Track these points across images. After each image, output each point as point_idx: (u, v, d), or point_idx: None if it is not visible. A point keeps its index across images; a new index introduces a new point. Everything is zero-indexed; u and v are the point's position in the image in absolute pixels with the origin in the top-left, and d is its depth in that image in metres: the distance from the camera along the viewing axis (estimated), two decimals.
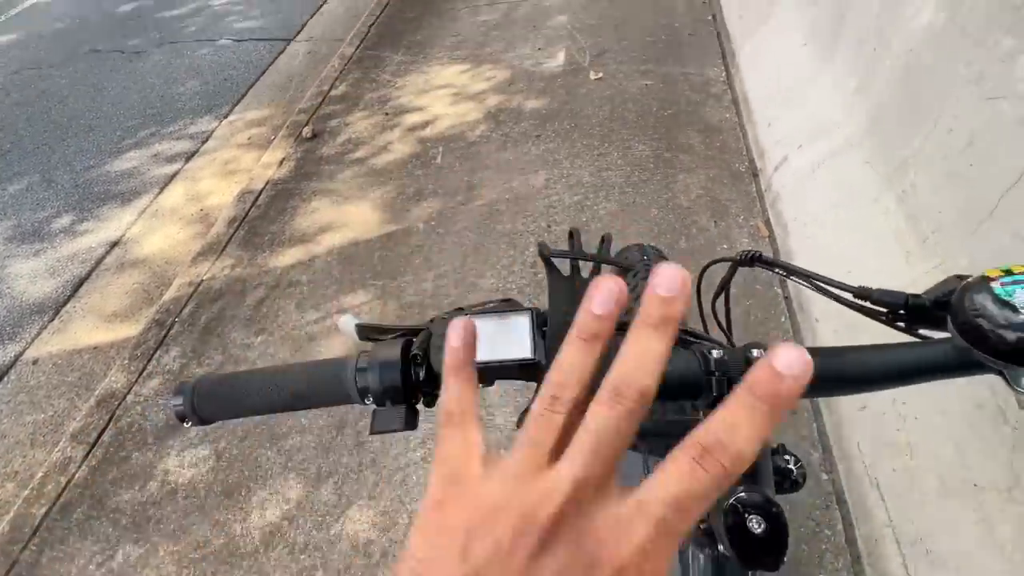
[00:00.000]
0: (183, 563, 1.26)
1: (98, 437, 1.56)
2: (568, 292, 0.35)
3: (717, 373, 0.33)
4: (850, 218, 1.39)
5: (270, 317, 1.79)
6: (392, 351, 0.36)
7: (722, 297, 0.48)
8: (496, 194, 2.05)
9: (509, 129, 2.35)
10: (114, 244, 2.30)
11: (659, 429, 0.41)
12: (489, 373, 0.33)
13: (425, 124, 2.47)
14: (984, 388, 0.95)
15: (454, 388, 0.22)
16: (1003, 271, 0.27)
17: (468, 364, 0.22)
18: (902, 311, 0.32)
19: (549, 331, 0.34)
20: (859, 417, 1.18)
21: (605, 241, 0.35)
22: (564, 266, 0.37)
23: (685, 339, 0.42)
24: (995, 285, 0.27)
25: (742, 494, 0.28)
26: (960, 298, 0.28)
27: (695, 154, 2.04)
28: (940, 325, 0.31)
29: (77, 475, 1.48)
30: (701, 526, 0.33)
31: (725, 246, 1.68)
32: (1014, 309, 0.26)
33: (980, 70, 1.07)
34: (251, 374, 0.38)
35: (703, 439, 0.17)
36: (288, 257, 1.99)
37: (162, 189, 2.55)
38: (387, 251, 1.93)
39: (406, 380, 0.35)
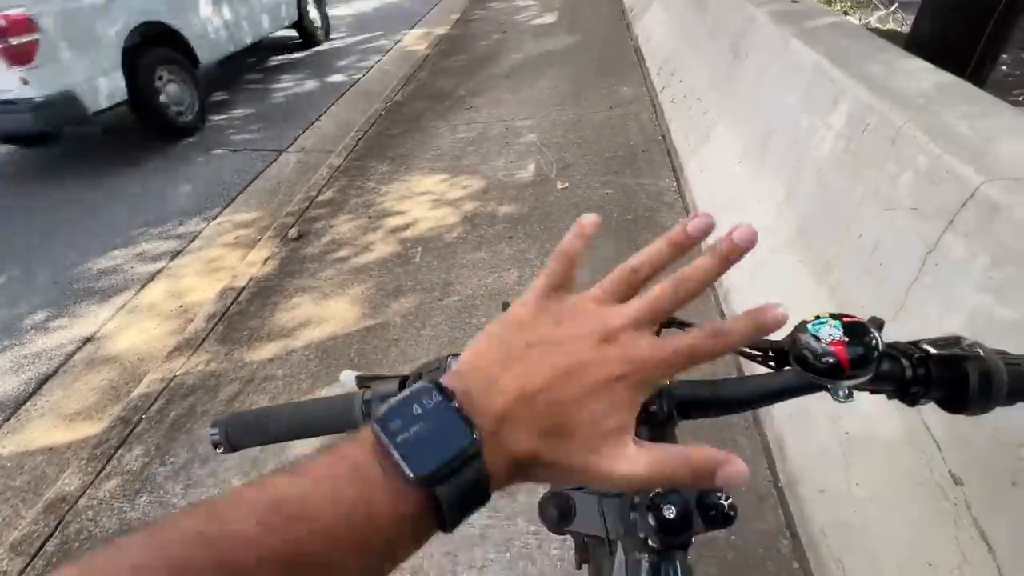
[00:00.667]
0: None
1: (40, 547, 1.45)
2: None
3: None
4: (793, 309, 1.53)
5: None
6: (391, 385, 0.45)
7: None
8: (471, 290, 2.17)
9: (484, 231, 2.54)
10: (87, 340, 2.29)
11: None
12: None
13: (406, 226, 2.66)
14: (923, 465, 1.02)
15: (572, 240, 0.29)
16: (814, 316, 0.38)
17: (583, 243, 0.30)
18: (770, 352, 0.41)
19: None
20: (819, 500, 1.22)
21: None
22: None
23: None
24: (809, 326, 0.38)
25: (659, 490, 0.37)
26: (791, 339, 0.38)
27: None
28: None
29: None
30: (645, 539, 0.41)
31: None
32: (819, 339, 0.37)
33: (875, 187, 1.29)
34: (276, 409, 0.47)
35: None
36: (265, 352, 2.02)
37: (143, 286, 2.60)
38: (364, 344, 1.98)
39: None
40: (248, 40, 4.84)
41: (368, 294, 2.24)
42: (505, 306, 0.45)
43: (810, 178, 1.62)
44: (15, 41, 2.81)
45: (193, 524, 0.20)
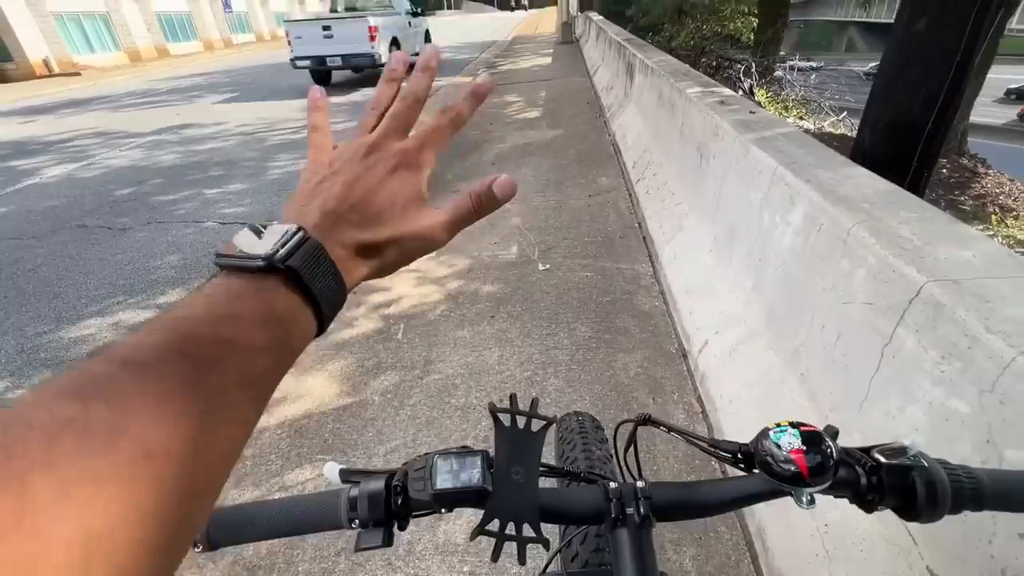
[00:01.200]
0: None
1: None
2: (510, 441, 0.45)
3: (614, 500, 0.44)
4: (764, 396, 1.57)
5: None
6: (378, 483, 0.45)
7: (632, 448, 0.60)
8: (452, 369, 2.17)
9: (467, 310, 2.58)
10: None
11: None
12: (449, 498, 0.43)
13: (389, 303, 2.69)
14: (902, 560, 1.01)
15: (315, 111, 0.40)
16: (775, 424, 0.41)
17: (322, 108, 0.40)
18: (739, 455, 0.44)
19: (496, 470, 0.44)
20: None
21: (533, 403, 0.48)
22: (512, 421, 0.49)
23: (591, 476, 0.53)
24: (771, 433, 0.41)
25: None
26: (755, 445, 0.41)
27: (631, 336, 2.29)
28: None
29: None
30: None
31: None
32: (780, 448, 0.39)
33: (832, 281, 1.39)
34: (258, 506, 0.45)
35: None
36: None
37: None
38: (340, 423, 1.93)
39: (388, 507, 0.44)
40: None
41: (348, 370, 2.22)
42: (512, 398, 0.48)
43: (774, 270, 1.73)
44: (372, 32, 9.16)
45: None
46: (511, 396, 0.49)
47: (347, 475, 0.48)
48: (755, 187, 1.98)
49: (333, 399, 2.06)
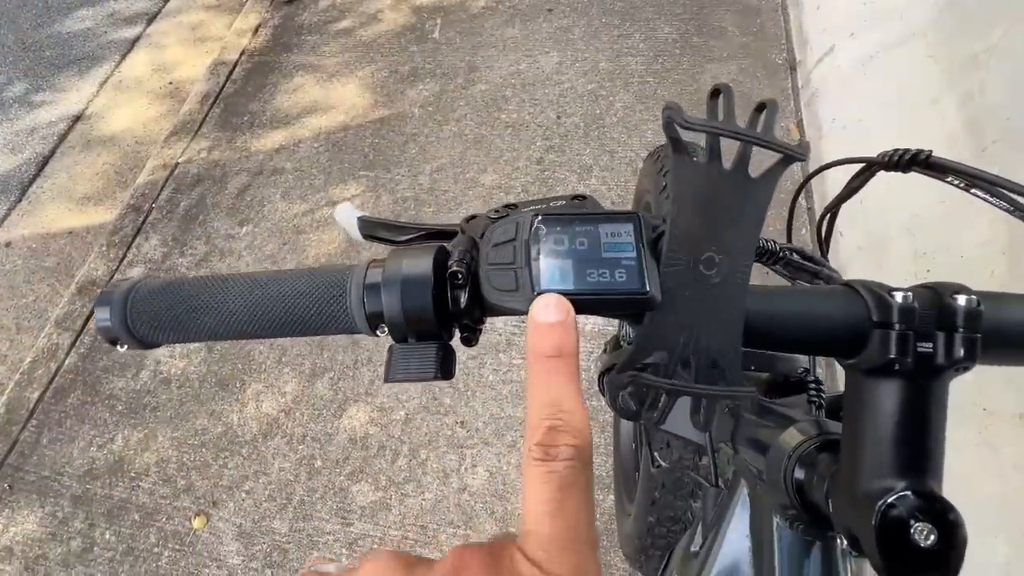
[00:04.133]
0: (183, 448, 1.28)
1: (84, 325, 1.51)
2: (703, 188, 0.24)
3: (900, 325, 0.22)
4: (899, 121, 1.25)
5: (255, 207, 1.67)
6: (420, 262, 0.26)
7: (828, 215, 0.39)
8: (501, 78, 1.83)
9: (517, 0, 2.04)
10: (76, 119, 2.09)
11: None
12: (578, 307, 0.23)
13: None
14: None
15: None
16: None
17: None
18: None
19: (667, 246, 0.24)
20: None
21: (765, 110, 0.24)
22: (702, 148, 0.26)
23: (810, 267, 0.34)
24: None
25: (906, 492, 0.21)
26: None
27: (728, 40, 1.80)
28: None
29: (67, 362, 1.45)
30: (796, 502, 0.27)
31: (753, 149, 1.54)
32: None
33: None
34: (214, 282, 0.28)
35: (537, 437, 0.19)
36: (270, 141, 1.82)
37: (123, 57, 2.26)
38: (379, 139, 1.76)
39: (441, 307, 0.25)
40: None
41: (380, 78, 1.91)
42: (717, 93, 0.25)
43: None
44: None
45: None
46: (715, 91, 0.25)
47: (371, 227, 0.30)
48: None
49: (368, 111, 1.83)
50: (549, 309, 0.21)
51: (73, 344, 1.48)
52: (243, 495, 1.21)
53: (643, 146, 1.59)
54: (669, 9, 1.92)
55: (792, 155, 0.23)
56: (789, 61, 1.72)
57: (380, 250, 0.31)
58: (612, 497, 1.02)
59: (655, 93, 1.71)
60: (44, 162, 1.99)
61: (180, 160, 1.80)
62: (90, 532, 1.20)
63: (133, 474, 1.26)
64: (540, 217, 0.25)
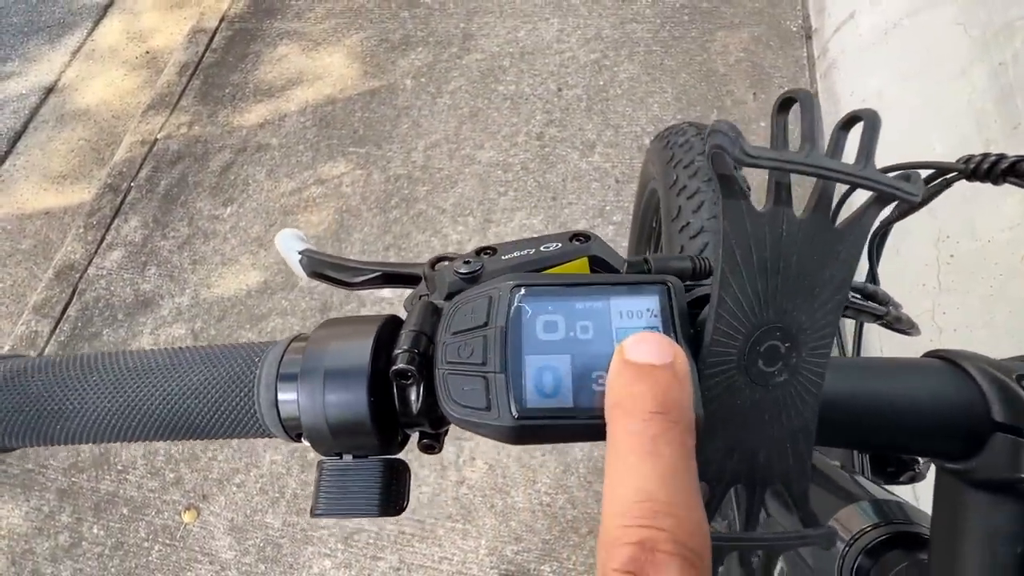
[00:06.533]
0: None
1: (63, 311, 1.45)
2: (763, 244, 0.16)
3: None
4: (923, 95, 1.17)
5: (239, 186, 1.59)
6: (353, 346, 0.18)
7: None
8: (498, 46, 1.73)
9: None
10: (49, 91, 1.97)
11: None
12: (558, 429, 0.17)
13: None
14: None
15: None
16: None
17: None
18: None
19: (711, 334, 0.17)
20: None
21: (862, 123, 0.17)
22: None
23: (872, 309, 0.27)
24: None
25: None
26: None
27: (739, 6, 1.70)
28: None
29: (47, 350, 1.39)
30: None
31: (763, 124, 1.46)
32: None
33: None
34: (75, 374, 0.21)
35: (618, 559, 0.12)
36: (254, 115, 1.72)
37: (96, 23, 2.13)
38: (369, 112, 1.66)
39: (383, 411, 0.18)
40: None
41: (369, 46, 1.80)
42: (791, 103, 0.17)
43: None
44: None
45: None
46: (786, 101, 0.19)
47: (316, 266, 0.23)
48: None
49: (357, 82, 1.73)
50: (650, 345, 0.14)
51: (53, 331, 1.42)
52: (234, 488, 1.17)
53: (649, 121, 1.50)
54: None
55: (906, 198, 0.16)
56: (805, 29, 1.61)
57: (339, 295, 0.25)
58: None
59: (661, 63, 1.61)
60: (16, 138, 1.88)
61: (159, 136, 1.71)
62: (78, 526, 1.17)
63: (120, 467, 1.22)
64: (522, 290, 0.17)
